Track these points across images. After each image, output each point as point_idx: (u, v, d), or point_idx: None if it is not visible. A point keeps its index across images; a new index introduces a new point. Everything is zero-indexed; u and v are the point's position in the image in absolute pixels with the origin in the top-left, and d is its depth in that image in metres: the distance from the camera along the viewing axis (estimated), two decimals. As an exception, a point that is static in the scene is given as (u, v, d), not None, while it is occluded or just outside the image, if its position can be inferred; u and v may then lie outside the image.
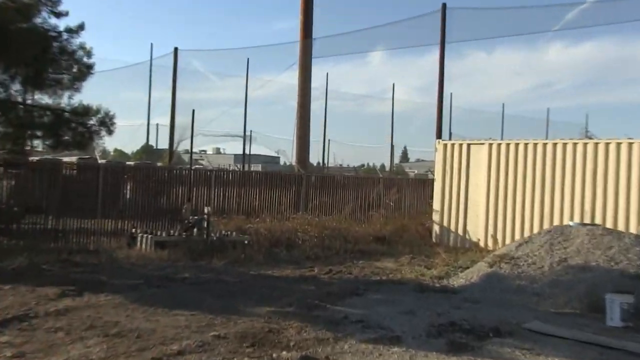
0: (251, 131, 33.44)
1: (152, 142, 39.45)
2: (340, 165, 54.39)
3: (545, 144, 16.09)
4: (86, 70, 10.84)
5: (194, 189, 16.99)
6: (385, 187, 20.66)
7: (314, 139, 30.32)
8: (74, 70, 10.74)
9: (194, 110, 25.66)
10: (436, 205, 17.89)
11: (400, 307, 9.01)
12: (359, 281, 11.44)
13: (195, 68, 49.55)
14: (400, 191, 20.56)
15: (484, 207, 16.91)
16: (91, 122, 10.94)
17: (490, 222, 16.73)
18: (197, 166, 29.72)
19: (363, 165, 58.53)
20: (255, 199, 18.38)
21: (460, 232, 17.28)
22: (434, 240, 17.52)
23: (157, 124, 39.48)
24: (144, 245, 13.87)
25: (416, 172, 50.67)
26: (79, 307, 8.32)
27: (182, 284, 10.37)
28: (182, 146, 29.89)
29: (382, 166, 48.95)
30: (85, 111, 10.90)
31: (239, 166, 32.68)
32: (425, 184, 20.97)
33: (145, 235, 14.19)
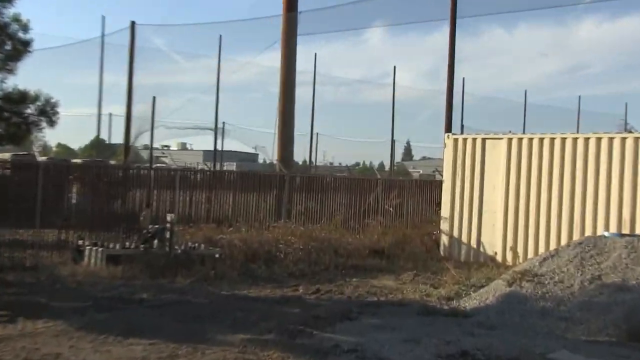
0: (224, 123, 33.25)
1: (103, 136, 39.00)
2: (331, 164, 54.52)
3: (575, 139, 16.20)
4: (22, 47, 10.71)
5: (155, 192, 16.96)
6: (385, 189, 20.79)
7: (299, 133, 30.32)
8: (7, 47, 10.57)
9: (154, 98, 25.63)
10: (445, 211, 17.97)
11: (401, 334, 9.01)
12: (353, 303, 11.46)
13: (157, 47, 49.53)
14: (402, 195, 20.67)
15: (501, 214, 17.00)
16: (28, 111, 10.82)
17: (510, 232, 16.85)
18: (158, 165, 29.71)
19: (358, 164, 58.68)
20: (228, 205, 18.39)
21: (473, 243, 17.36)
22: (442, 253, 17.62)
23: (111, 114, 38.80)
24: (93, 260, 13.81)
25: (421, 172, 50.82)
26: (12, 337, 8.22)
27: (139, 307, 10.32)
28: (141, 141, 29.81)
29: (381, 165, 49.06)
30: (21, 98, 10.80)
31: (209, 165, 32.56)
32: (432, 186, 21.12)
33: (94, 248, 14.14)
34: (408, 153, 74.21)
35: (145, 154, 35.10)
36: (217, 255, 14.58)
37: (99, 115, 34.53)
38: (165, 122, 30.11)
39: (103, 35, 33.38)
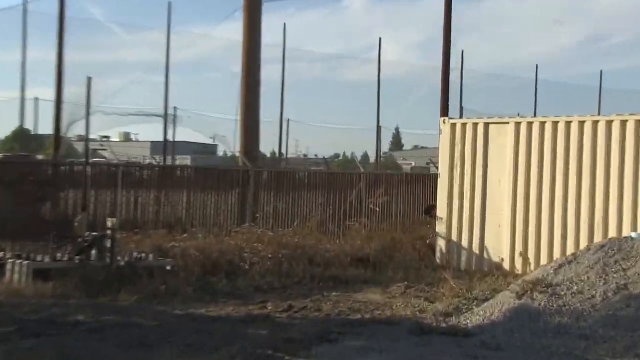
0: (175, 109, 33.28)
1: (28, 125, 38.60)
2: (305, 156, 54.54)
3: (596, 122, 16.26)
4: None
5: (93, 192, 16.78)
6: (370, 186, 20.91)
7: (267, 119, 30.32)
8: None
9: (90, 79, 25.13)
10: (441, 211, 18.06)
11: (390, 358, 8.98)
12: (332, 321, 11.44)
13: (93, 17, 49.11)
14: (390, 192, 20.80)
15: (509, 213, 17.10)
16: None
17: (519, 234, 16.96)
18: (96, 160, 29.46)
19: (338, 156, 58.80)
20: (182, 206, 18.35)
21: (475, 249, 17.49)
22: (438, 261, 17.75)
23: (37, 99, 38.26)
24: (17, 276, 13.67)
25: (414, 164, 51.11)
26: None
27: (74, 331, 10.19)
28: (74, 131, 29.23)
29: (365, 157, 49.16)
30: None
31: (158, 159, 32.52)
32: (425, 181, 21.32)
33: (18, 261, 13.97)
34: (397, 142, 74.47)
35: (80, 147, 34.77)
36: (168, 268, 14.55)
37: (22, 100, 33.80)
38: (103, 108, 29.74)
39: (26, 2, 32.88)
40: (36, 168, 17.02)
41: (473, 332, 10.65)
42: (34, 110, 32.66)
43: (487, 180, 17.55)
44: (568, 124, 16.51)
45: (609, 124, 15.98)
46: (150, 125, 37.43)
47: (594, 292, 10.93)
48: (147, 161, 36.59)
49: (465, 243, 17.66)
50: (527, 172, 16.97)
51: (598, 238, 15.18)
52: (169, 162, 31.67)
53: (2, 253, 14.58)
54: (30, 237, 15.30)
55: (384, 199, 20.46)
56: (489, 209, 17.48)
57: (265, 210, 19.46)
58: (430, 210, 19.54)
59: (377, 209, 20.42)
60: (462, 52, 38.71)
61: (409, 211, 20.77)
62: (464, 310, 12.10)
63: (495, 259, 17.11)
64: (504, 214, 17.20)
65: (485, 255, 17.34)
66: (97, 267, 13.86)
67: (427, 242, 18.45)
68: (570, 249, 15.35)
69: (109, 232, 14.36)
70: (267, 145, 44.43)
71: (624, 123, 15.81)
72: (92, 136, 28.71)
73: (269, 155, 39.67)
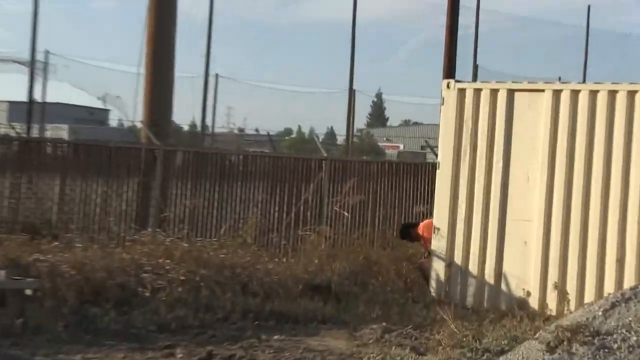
0: (48, 53, 32.95)
1: None
2: (241, 130, 54.07)
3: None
4: None
5: None
6: (336, 178, 20.91)
7: (185, 74, 30.13)
8: None
9: None
10: (439, 219, 18.11)
11: None
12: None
13: None
14: (366, 188, 20.80)
15: (540, 224, 17.18)
16: None
17: (554, 255, 17.06)
18: None
19: (290, 133, 58.43)
20: (52, 199, 18.32)
21: (489, 276, 17.55)
22: (433, 293, 17.85)
23: None
24: None
25: (402, 147, 50.83)
26: None
27: None
28: None
29: (330, 134, 49.00)
30: None
31: (18, 129, 32.11)
32: (418, 172, 21.26)
33: None
34: (379, 115, 74.49)
35: None
36: (29, 292, 14.33)
37: None
38: None
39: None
40: None
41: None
42: None
43: (510, 175, 17.58)
44: (631, 94, 16.60)
45: None
46: (8, 76, 36.96)
47: (663, 345, 11.03)
48: (2, 131, 36.13)
49: (473, 267, 17.67)
50: (569, 163, 17.08)
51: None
52: (35, 133, 31.40)
53: None
54: None
55: (356, 198, 20.45)
56: (510, 218, 17.51)
57: (178, 209, 19.40)
58: (408, 231, 19.44)
59: (346, 213, 20.40)
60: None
61: (393, 217, 20.78)
62: (468, 369, 12.16)
63: (518, 292, 17.15)
64: (533, 225, 17.25)
65: (503, 286, 17.37)
66: None
67: (419, 264, 18.53)
68: (629, 280, 15.44)
69: None
70: (184, 113, 44.01)
71: None
72: None
73: (186, 127, 39.43)
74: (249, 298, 16.02)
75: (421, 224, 19.08)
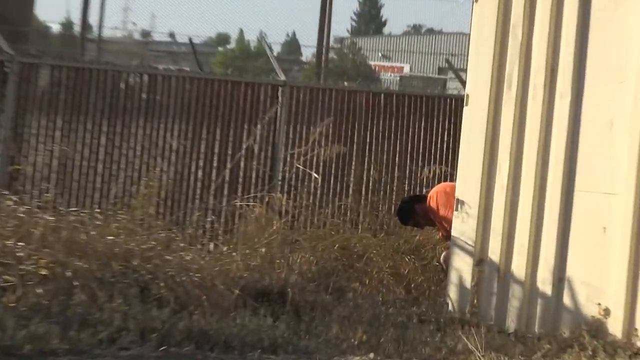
0: None
1: None
2: (146, 34, 51.73)
3: None
4: None
5: None
6: (298, 116, 18.30)
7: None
8: None
9: None
10: (465, 187, 14.59)
11: None
12: None
13: None
14: (348, 133, 18.15)
15: (629, 199, 13.35)
16: None
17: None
18: None
19: (226, 40, 54.08)
20: None
21: (543, 282, 13.87)
22: (451, 305, 14.33)
23: None
24: None
25: (407, 69, 46.64)
26: None
27: None
28: None
29: (291, 44, 45.24)
30: None
31: None
32: (433, 110, 18.66)
33: None
34: (372, 15, 70.02)
35: None
36: None
37: None
38: None
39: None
40: None
41: None
42: None
43: (582, 118, 13.52)
44: None
45: None
46: None
47: None
48: None
49: (519, 267, 13.67)
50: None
51: None
52: None
53: None
54: None
55: (332, 151, 16.78)
56: (580, 188, 13.46)
57: (41, 159, 16.52)
58: (412, 208, 15.71)
59: (315, 175, 16.85)
60: None
61: (390, 182, 17.29)
62: None
63: (589, 309, 13.20)
64: (618, 201, 13.14)
65: (567, 300, 13.57)
66: None
67: (442, 258, 15.05)
68: None
69: None
70: (55, 5, 43.56)
71: None
72: None
73: (56, 28, 37.11)
74: (151, 308, 12.32)
75: (433, 191, 15.54)
